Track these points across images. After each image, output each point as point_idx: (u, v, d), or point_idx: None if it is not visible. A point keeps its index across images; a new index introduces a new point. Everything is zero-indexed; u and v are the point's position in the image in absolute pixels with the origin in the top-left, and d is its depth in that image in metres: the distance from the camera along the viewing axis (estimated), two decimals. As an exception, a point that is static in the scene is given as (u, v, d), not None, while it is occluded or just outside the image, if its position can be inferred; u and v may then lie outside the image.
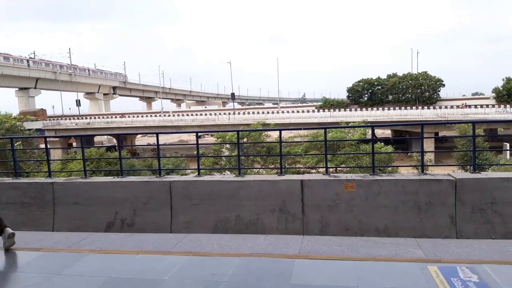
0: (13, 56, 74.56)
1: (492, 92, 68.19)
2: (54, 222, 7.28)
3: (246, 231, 6.50)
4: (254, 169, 19.32)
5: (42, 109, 74.89)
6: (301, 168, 19.90)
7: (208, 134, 63.14)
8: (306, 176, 6.83)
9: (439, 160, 38.06)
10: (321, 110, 61.39)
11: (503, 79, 65.62)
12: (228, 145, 25.40)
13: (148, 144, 49.00)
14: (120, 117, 66.79)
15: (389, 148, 23.13)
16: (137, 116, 66.15)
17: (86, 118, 68.29)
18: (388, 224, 6.14)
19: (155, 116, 65.15)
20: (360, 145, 24.27)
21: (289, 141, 28.41)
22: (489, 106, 53.79)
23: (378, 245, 5.63)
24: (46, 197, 7.43)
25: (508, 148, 33.34)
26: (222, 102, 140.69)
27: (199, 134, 8.50)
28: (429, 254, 5.20)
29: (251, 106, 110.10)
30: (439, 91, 70.43)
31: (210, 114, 62.86)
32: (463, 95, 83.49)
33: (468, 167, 18.98)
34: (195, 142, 7.79)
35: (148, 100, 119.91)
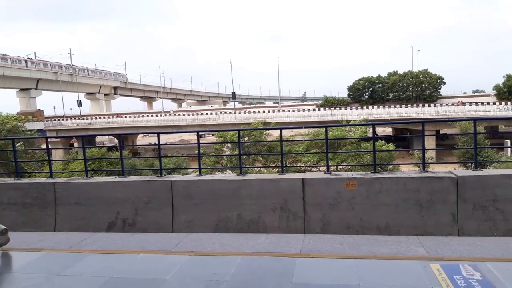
0: (11, 56, 74.34)
1: (493, 90, 68.01)
2: (56, 223, 7.28)
3: (247, 230, 6.49)
4: (255, 168, 19.30)
5: (39, 110, 75.03)
6: (302, 166, 19.88)
7: (209, 134, 63.17)
8: (307, 175, 6.82)
9: (440, 158, 38.01)
10: (321, 109, 61.32)
11: (503, 77, 65.44)
12: (229, 144, 25.40)
13: (149, 144, 49.01)
14: (116, 117, 66.80)
15: (390, 146, 23.08)
16: (138, 116, 66.12)
17: (87, 118, 68.33)
18: (389, 222, 6.12)
19: (156, 116, 65.13)
20: (361, 143, 24.24)
21: (290, 139, 28.41)
22: (490, 103, 53.66)
23: (379, 243, 5.62)
24: (47, 198, 7.43)
25: (509, 145, 33.29)
26: (223, 101, 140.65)
27: (200, 133, 8.49)
28: (431, 252, 5.19)
29: (252, 105, 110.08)
30: (439, 89, 70.26)
31: (211, 114, 62.85)
32: (464, 93, 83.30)
33: (470, 164, 18.94)
34: (196, 142, 7.79)
35: (149, 100, 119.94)
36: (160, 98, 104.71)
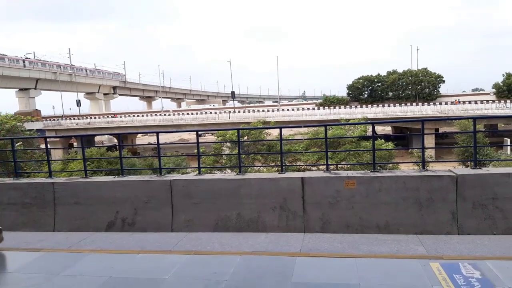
0: (9, 56, 73.91)
1: (492, 88, 68.05)
2: (55, 222, 7.27)
3: (247, 229, 6.49)
4: (255, 167, 19.29)
5: (36, 109, 74.94)
6: (302, 165, 19.86)
7: (208, 133, 63.15)
8: (306, 174, 6.81)
9: (439, 156, 38.04)
10: (321, 108, 61.32)
11: (503, 75, 65.49)
12: (228, 144, 25.38)
13: (148, 143, 48.97)
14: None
15: (390, 145, 23.06)
16: (138, 116, 66.08)
17: (87, 118, 68.26)
18: (389, 221, 6.12)
19: (156, 115, 65.07)
20: (361, 142, 24.22)
21: (290, 139, 28.38)
22: (489, 101, 53.69)
23: (379, 242, 5.62)
24: (46, 197, 7.42)
25: (508, 143, 33.28)
26: (222, 100, 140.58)
27: (199, 132, 8.48)
28: (431, 251, 5.18)
29: (251, 105, 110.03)
30: (439, 87, 70.28)
31: (211, 113, 62.79)
32: (463, 91, 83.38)
33: (469, 163, 18.94)
34: (196, 141, 7.78)
35: (148, 99, 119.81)
36: (160, 97, 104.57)
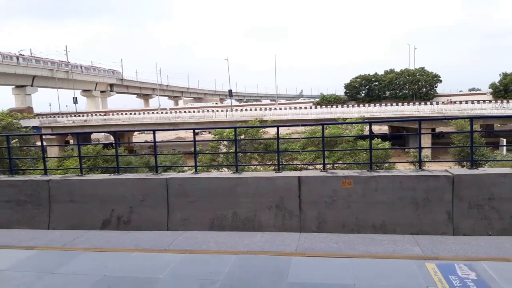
0: (2, 52, 73.27)
1: (489, 88, 68.31)
2: (50, 220, 7.22)
3: (243, 228, 6.46)
4: (252, 166, 19.26)
5: (29, 107, 74.50)
6: (299, 165, 19.84)
7: (205, 131, 63.05)
8: (303, 173, 6.79)
9: (435, 156, 38.14)
10: (318, 107, 61.36)
11: (500, 75, 65.77)
12: (225, 142, 25.33)
13: (145, 141, 48.86)
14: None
15: (387, 144, 23.09)
16: (134, 114, 65.89)
17: (83, 115, 68.00)
18: (385, 221, 6.11)
19: (153, 113, 64.92)
20: (357, 142, 24.22)
21: (287, 137, 28.37)
22: (486, 101, 53.91)
23: (375, 242, 5.60)
24: (41, 195, 7.36)
25: (504, 143, 33.40)
26: (220, 99, 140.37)
27: (196, 131, 8.44)
28: (426, 251, 5.17)
29: (248, 103, 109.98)
30: (436, 87, 70.49)
31: (208, 111, 62.70)
32: (460, 91, 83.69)
33: (465, 163, 18.97)
34: (192, 139, 7.74)
35: (146, 97, 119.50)
36: (157, 95, 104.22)
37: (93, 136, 73.16)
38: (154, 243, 5.92)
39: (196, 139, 7.75)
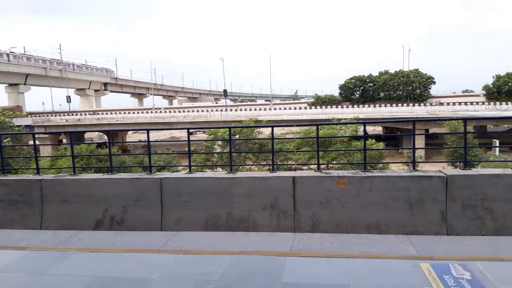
0: (-9, 50, 72.56)
1: (482, 90, 68.88)
2: (42, 220, 7.14)
3: (237, 228, 6.43)
4: (246, 166, 19.23)
5: (18, 106, 73.87)
6: (293, 165, 19.84)
7: (200, 131, 62.92)
8: (298, 173, 6.78)
9: (429, 157, 38.34)
10: (313, 107, 61.49)
11: (493, 77, 66.38)
12: (220, 142, 25.28)
13: (139, 141, 48.62)
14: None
15: (381, 145, 23.16)
16: (128, 113, 65.58)
17: (77, 114, 67.55)
18: (379, 221, 6.12)
19: (147, 112, 64.66)
20: (351, 142, 24.27)
21: (281, 137, 28.37)
22: (479, 103, 54.39)
23: (370, 242, 5.60)
24: (34, 195, 7.28)
25: (497, 144, 33.68)
26: (215, 98, 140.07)
27: (191, 130, 8.39)
28: (421, 251, 5.18)
29: (243, 103, 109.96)
30: (429, 88, 70.97)
31: (202, 111, 62.57)
32: (453, 92, 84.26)
33: (458, 163, 19.09)
34: (187, 139, 7.70)
35: (140, 96, 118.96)
36: (151, 94, 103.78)
37: (87, 135, 72.72)
38: (147, 244, 5.87)
39: (191, 138, 7.71)
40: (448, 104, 55.41)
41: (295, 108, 60.49)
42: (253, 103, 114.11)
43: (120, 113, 65.65)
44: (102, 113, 65.82)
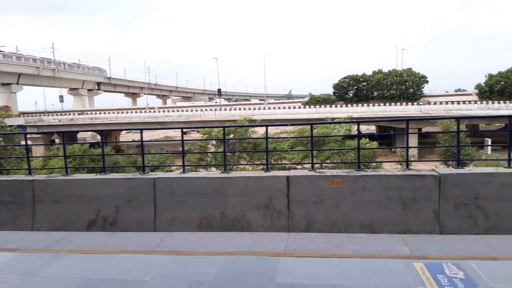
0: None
1: (475, 89, 69.44)
2: (34, 221, 7.06)
3: (231, 228, 6.40)
4: (240, 166, 19.20)
5: (6, 106, 73.11)
6: (287, 164, 19.83)
7: (194, 130, 62.74)
8: (292, 172, 6.77)
9: (422, 156, 38.57)
10: (307, 106, 61.60)
11: (485, 76, 66.94)
12: (214, 142, 25.20)
13: (132, 141, 48.37)
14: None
15: (374, 144, 23.22)
16: (122, 112, 65.21)
17: (70, 114, 67.07)
18: (373, 220, 6.12)
19: (140, 112, 64.34)
20: (345, 141, 24.31)
21: (275, 137, 28.34)
22: (472, 102, 54.84)
23: (363, 241, 5.60)
24: (25, 195, 7.19)
25: (489, 143, 33.95)
26: (209, 98, 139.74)
27: (184, 130, 8.35)
28: (414, 251, 5.18)
29: (237, 102, 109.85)
30: (422, 87, 71.41)
31: (196, 110, 62.42)
32: (446, 91, 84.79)
33: (451, 162, 19.21)
34: (181, 139, 7.65)
35: (133, 96, 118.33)
36: (145, 94, 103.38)
37: (80, 135, 72.24)
38: (140, 244, 5.82)
39: (185, 138, 7.67)
40: (441, 103, 55.79)
41: (289, 108, 60.59)
42: (247, 102, 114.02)
43: (113, 112, 65.27)
44: (96, 113, 65.37)
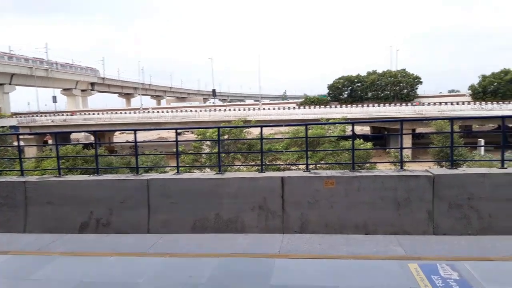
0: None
1: (468, 90, 69.96)
2: (26, 223, 6.98)
3: (225, 229, 6.37)
4: (235, 167, 19.16)
5: None
6: (282, 165, 19.83)
7: (188, 131, 62.63)
8: (286, 173, 6.75)
9: (416, 156, 38.75)
10: (301, 107, 61.71)
11: (478, 77, 67.50)
12: (208, 142, 25.14)
13: (126, 141, 48.12)
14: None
15: (368, 145, 23.29)
16: (116, 113, 64.92)
17: (63, 114, 66.65)
18: (367, 220, 6.12)
19: (134, 112, 64.12)
20: (339, 142, 24.35)
21: (270, 138, 28.34)
22: (465, 103, 55.27)
23: (358, 243, 5.60)
24: (17, 197, 7.11)
25: (483, 144, 34.20)
26: (203, 98, 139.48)
27: (179, 131, 8.31)
28: (409, 252, 5.19)
29: (232, 103, 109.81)
30: (416, 88, 71.85)
31: (191, 111, 62.30)
32: (440, 92, 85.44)
33: (445, 163, 19.31)
34: (175, 139, 7.61)
35: (127, 96, 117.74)
36: (139, 94, 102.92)
37: (73, 136, 71.75)
38: (134, 246, 5.77)
39: (179, 139, 7.63)
40: (434, 104, 56.15)
41: (284, 108, 60.68)
42: (242, 103, 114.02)
43: (107, 113, 64.96)
44: (89, 113, 64.98)
